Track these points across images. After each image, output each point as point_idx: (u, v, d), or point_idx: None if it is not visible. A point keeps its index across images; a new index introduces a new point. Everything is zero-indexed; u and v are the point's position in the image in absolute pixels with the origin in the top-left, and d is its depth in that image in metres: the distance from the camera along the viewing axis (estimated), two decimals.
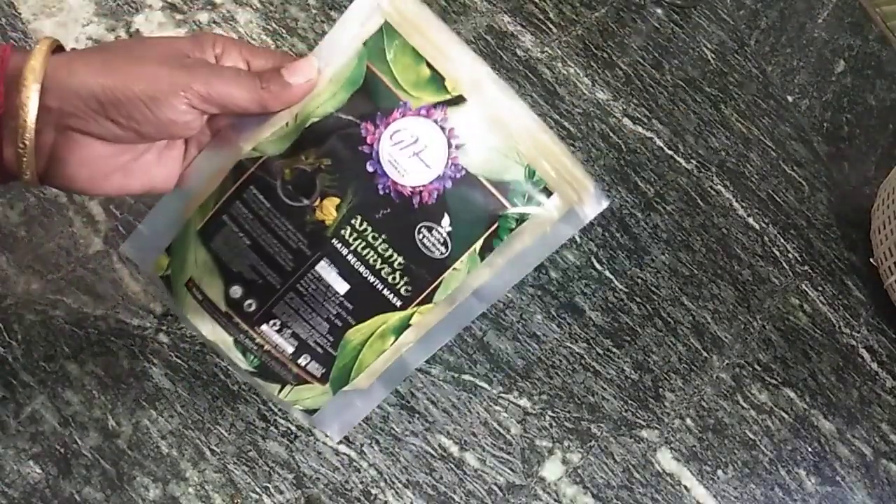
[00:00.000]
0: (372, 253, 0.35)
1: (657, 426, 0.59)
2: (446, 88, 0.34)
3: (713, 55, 0.82)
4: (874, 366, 0.69)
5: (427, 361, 0.44)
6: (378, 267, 0.35)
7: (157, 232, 0.38)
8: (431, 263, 0.36)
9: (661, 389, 0.61)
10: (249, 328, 0.37)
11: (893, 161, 0.85)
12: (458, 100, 0.34)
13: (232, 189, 0.35)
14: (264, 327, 0.37)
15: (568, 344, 0.60)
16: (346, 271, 0.35)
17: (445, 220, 0.35)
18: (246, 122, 0.35)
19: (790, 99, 0.83)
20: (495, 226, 0.35)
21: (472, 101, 0.34)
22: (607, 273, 0.64)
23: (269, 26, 0.63)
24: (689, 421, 0.60)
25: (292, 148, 0.34)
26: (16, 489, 0.43)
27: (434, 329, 0.38)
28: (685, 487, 0.57)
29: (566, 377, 0.58)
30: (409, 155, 0.34)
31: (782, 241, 0.73)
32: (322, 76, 0.34)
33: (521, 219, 0.35)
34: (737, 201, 0.73)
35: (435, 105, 0.34)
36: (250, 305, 0.36)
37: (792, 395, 0.65)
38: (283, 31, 0.63)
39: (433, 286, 0.36)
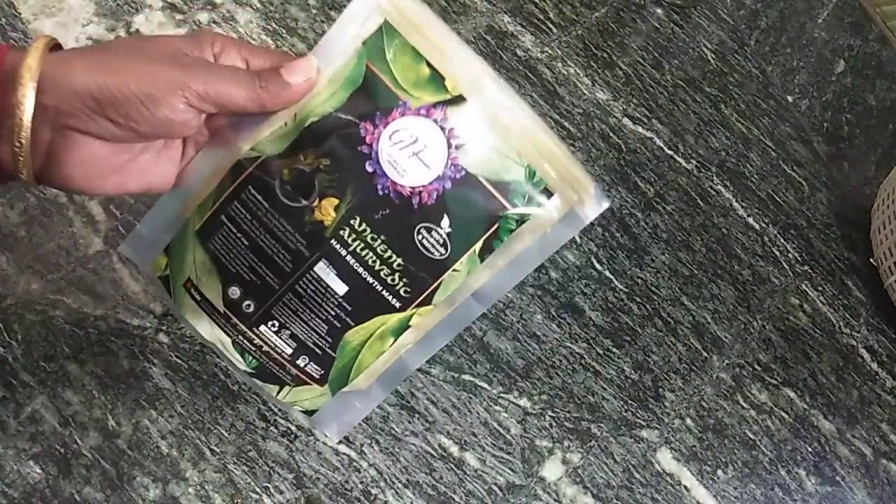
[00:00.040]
0: (371, 254, 0.35)
1: (657, 426, 0.59)
2: (446, 88, 0.34)
3: (713, 55, 0.82)
4: (874, 366, 0.69)
5: (427, 361, 0.44)
6: (377, 268, 0.35)
7: (155, 232, 0.37)
8: (431, 264, 0.35)
9: (661, 389, 0.61)
10: (248, 329, 0.37)
11: (893, 161, 0.85)
12: (458, 99, 0.34)
13: (230, 189, 0.35)
14: (263, 328, 0.36)
15: (568, 344, 0.60)
16: (344, 272, 0.35)
17: (445, 221, 0.35)
18: (244, 122, 0.35)
19: (790, 99, 0.83)
20: (495, 227, 0.35)
21: (473, 100, 0.34)
22: (607, 273, 0.64)
23: (269, 26, 0.63)
24: (689, 421, 0.60)
25: (291, 148, 0.34)
26: (16, 489, 0.43)
27: (433, 330, 0.38)
28: (685, 487, 0.57)
29: (566, 377, 0.58)
30: (408, 155, 0.34)
31: (782, 241, 0.73)
32: (321, 76, 0.34)
33: (522, 220, 0.35)
34: (737, 201, 0.73)
35: (435, 105, 0.34)
36: (249, 306, 0.36)
37: (792, 395, 0.65)
38: (283, 31, 0.63)
39: (432, 287, 0.36)
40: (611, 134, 0.71)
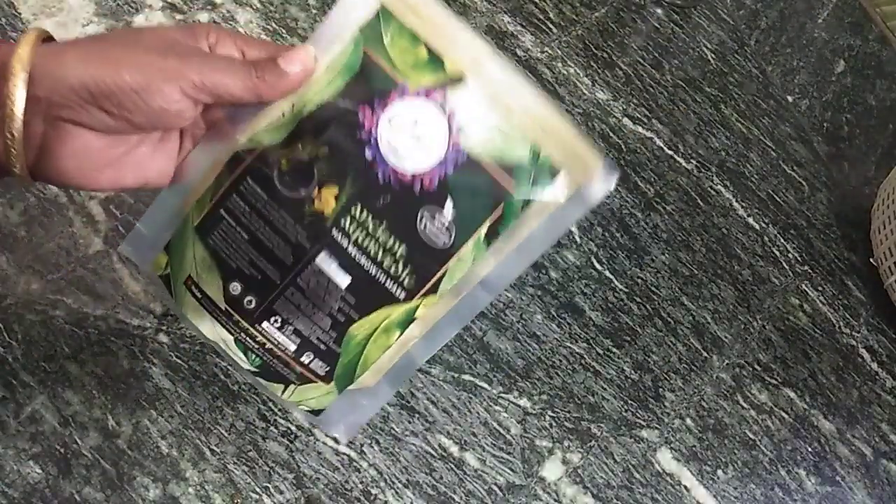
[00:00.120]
0: (373, 243, 0.34)
1: (657, 426, 0.59)
2: (445, 69, 0.33)
3: (713, 55, 0.82)
4: (874, 366, 0.69)
5: (427, 361, 0.44)
6: (380, 258, 0.34)
7: (155, 230, 0.37)
8: (435, 252, 0.34)
9: (661, 389, 0.61)
10: (250, 326, 0.36)
11: (893, 161, 0.85)
12: (458, 80, 0.33)
13: (228, 182, 0.34)
14: (265, 324, 0.36)
15: (568, 344, 0.60)
16: (346, 263, 0.34)
17: (448, 206, 0.34)
18: (241, 114, 0.34)
19: (790, 99, 0.83)
20: (500, 210, 0.34)
21: (473, 80, 0.33)
22: (607, 273, 0.64)
23: (269, 26, 0.63)
24: (689, 421, 0.60)
25: (289, 138, 0.33)
26: (16, 489, 0.43)
27: (440, 322, 0.37)
28: (685, 487, 0.57)
29: (566, 377, 0.58)
30: (408, 139, 0.33)
31: (782, 241, 0.73)
32: (318, 64, 0.33)
33: (527, 201, 0.34)
34: (737, 201, 0.73)
35: (434, 86, 0.33)
36: (250, 302, 0.35)
37: (792, 395, 0.65)
38: (283, 31, 0.63)
39: (438, 276, 0.35)
40: (611, 134, 0.71)
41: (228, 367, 0.49)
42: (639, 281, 0.65)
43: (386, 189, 0.33)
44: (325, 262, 0.34)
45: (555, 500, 0.53)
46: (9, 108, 0.29)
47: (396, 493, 0.50)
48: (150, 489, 0.45)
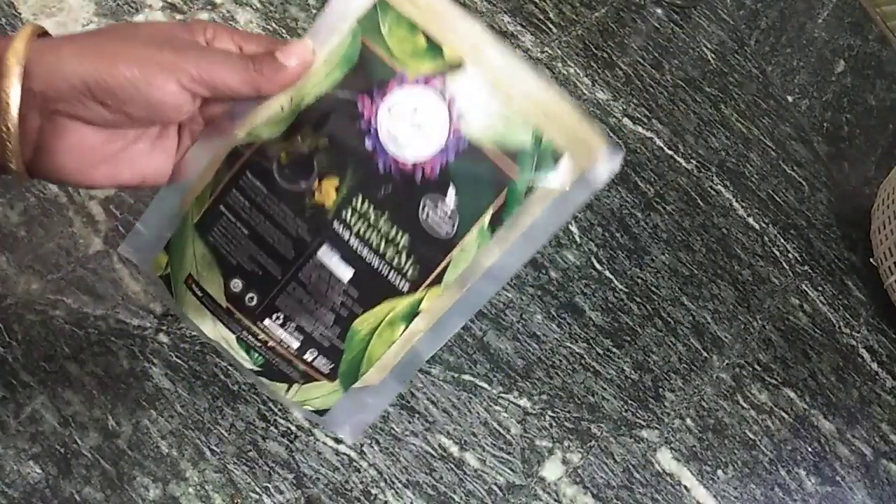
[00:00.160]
0: (375, 234, 0.33)
1: (657, 426, 0.59)
2: (444, 56, 0.33)
3: (713, 55, 0.82)
4: (874, 366, 0.69)
5: (427, 361, 0.44)
6: (382, 249, 0.34)
7: (155, 229, 0.37)
8: (438, 241, 0.34)
9: (661, 389, 0.61)
10: (252, 323, 0.35)
11: (893, 161, 0.85)
12: (458, 67, 0.33)
13: (227, 177, 0.34)
14: (267, 322, 0.35)
15: (568, 344, 0.60)
16: (348, 255, 0.34)
17: (450, 194, 0.33)
18: (240, 109, 0.34)
19: (790, 99, 0.83)
20: (504, 196, 0.33)
21: (472, 66, 0.33)
22: (607, 273, 0.64)
23: (269, 26, 0.63)
24: (689, 421, 0.60)
25: (288, 131, 0.33)
26: (16, 489, 0.43)
27: (445, 315, 0.36)
28: (685, 487, 0.57)
29: (566, 377, 0.58)
30: (408, 128, 0.33)
31: (782, 241, 0.73)
32: (317, 57, 0.33)
33: (531, 187, 0.33)
34: (737, 201, 0.73)
35: (433, 73, 0.33)
36: (252, 299, 0.35)
37: (792, 395, 0.65)
38: (283, 31, 0.63)
39: (442, 266, 0.34)
40: (611, 134, 0.71)
41: (228, 366, 0.49)
42: (639, 281, 0.65)
43: (387, 179, 0.33)
44: (327, 256, 0.34)
45: (555, 500, 0.53)
46: (4, 101, 0.29)
47: (396, 493, 0.50)
48: (150, 489, 0.45)
